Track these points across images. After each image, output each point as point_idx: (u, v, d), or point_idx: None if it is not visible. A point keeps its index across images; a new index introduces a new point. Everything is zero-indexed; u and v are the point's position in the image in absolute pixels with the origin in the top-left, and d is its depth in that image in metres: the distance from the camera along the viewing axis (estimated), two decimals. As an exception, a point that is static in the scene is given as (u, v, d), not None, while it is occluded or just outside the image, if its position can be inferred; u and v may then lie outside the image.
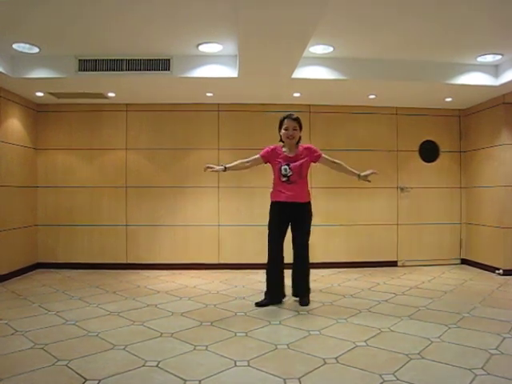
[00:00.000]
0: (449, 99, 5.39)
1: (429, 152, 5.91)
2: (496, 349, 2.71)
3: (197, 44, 4.10)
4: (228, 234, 5.62)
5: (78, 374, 2.36)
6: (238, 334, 3.03)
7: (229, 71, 4.45)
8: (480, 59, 4.46)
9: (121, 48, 4.21)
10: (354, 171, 3.92)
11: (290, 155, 3.78)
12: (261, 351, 2.70)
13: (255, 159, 3.88)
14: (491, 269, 5.28)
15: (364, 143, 5.77)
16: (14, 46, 4.03)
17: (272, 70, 4.25)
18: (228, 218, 5.61)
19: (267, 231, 3.81)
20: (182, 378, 2.32)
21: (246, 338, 2.97)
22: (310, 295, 3.93)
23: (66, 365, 2.47)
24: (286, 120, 3.78)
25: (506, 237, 5.10)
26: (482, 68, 4.66)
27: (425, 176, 5.87)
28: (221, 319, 3.38)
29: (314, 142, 5.56)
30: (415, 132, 5.86)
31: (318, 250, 5.50)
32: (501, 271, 5.09)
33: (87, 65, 4.37)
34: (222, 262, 5.58)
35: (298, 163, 3.74)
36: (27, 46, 4.07)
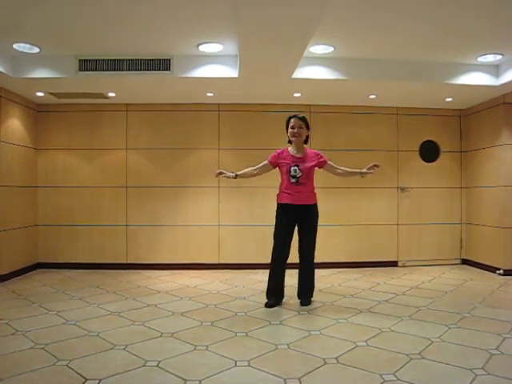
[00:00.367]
0: (449, 99, 5.39)
1: (429, 152, 5.91)
2: (496, 349, 2.71)
3: (197, 44, 4.10)
4: (228, 233, 5.62)
5: (78, 373, 2.36)
6: (238, 334, 3.03)
7: (229, 71, 4.45)
8: (480, 59, 4.46)
9: (121, 48, 4.21)
10: (356, 171, 3.95)
11: (298, 156, 3.77)
12: (261, 351, 2.70)
13: (264, 166, 3.86)
14: (491, 269, 5.27)
15: (364, 143, 5.77)
16: (15, 46, 4.03)
17: (272, 70, 4.25)
18: (228, 218, 5.61)
19: (274, 231, 3.77)
20: (182, 378, 2.32)
21: (247, 338, 2.97)
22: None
23: (67, 365, 2.47)
24: (292, 119, 3.79)
25: (506, 237, 5.10)
26: (483, 68, 4.66)
27: (425, 176, 5.87)
28: (221, 319, 3.38)
29: (315, 142, 5.57)
30: (415, 132, 5.86)
31: (318, 250, 5.47)
32: (501, 271, 5.09)
33: (87, 65, 4.37)
34: (222, 261, 5.58)
35: (307, 165, 3.73)
36: (28, 45, 4.07)
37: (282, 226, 3.76)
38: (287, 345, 2.82)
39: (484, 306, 3.77)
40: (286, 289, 3.86)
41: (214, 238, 5.62)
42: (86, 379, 2.29)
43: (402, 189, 5.83)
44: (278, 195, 3.83)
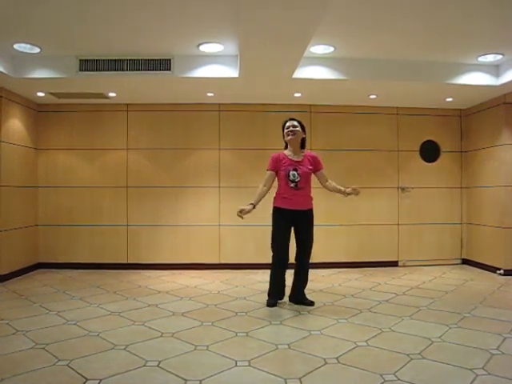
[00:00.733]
0: (450, 99, 5.39)
1: (429, 152, 5.91)
2: (497, 349, 2.71)
3: (198, 44, 4.10)
4: (229, 233, 5.62)
5: (78, 373, 2.36)
6: (238, 334, 3.03)
7: (229, 71, 4.45)
8: (481, 59, 4.46)
9: (121, 48, 4.22)
10: (342, 189, 3.77)
11: (296, 159, 3.74)
12: (261, 351, 2.70)
13: (269, 177, 3.76)
14: (492, 269, 5.27)
15: (365, 143, 5.77)
16: (15, 46, 4.03)
17: (273, 69, 4.26)
18: (229, 218, 5.60)
19: (273, 235, 3.75)
20: (182, 378, 2.32)
21: (247, 338, 2.97)
22: (311, 295, 3.95)
23: (67, 365, 2.47)
24: (287, 122, 3.81)
25: (506, 237, 5.10)
26: (483, 68, 4.66)
27: (425, 176, 5.87)
28: (221, 319, 3.38)
29: (315, 142, 5.58)
30: (416, 132, 5.86)
31: (318, 250, 5.47)
32: (502, 271, 5.09)
33: (88, 65, 4.37)
34: (222, 261, 5.58)
35: (305, 169, 3.70)
36: (28, 46, 4.07)
37: (281, 228, 3.73)
38: (288, 345, 2.82)
39: (484, 305, 3.77)
40: (286, 288, 3.86)
41: (214, 238, 5.62)
42: (87, 379, 2.29)
43: (403, 189, 5.83)
44: (275, 198, 3.78)
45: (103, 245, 5.56)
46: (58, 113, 5.58)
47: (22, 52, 4.18)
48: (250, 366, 2.49)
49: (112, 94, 5.18)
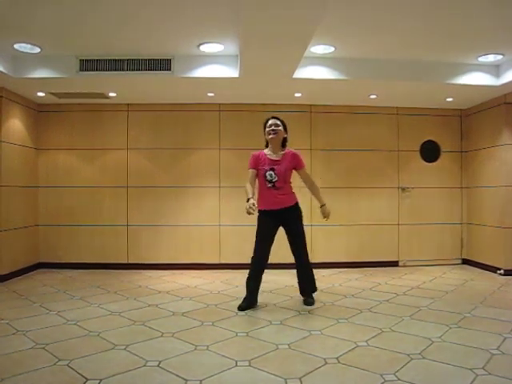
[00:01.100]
0: (450, 99, 5.39)
1: (430, 152, 5.91)
2: (497, 349, 2.71)
3: (198, 44, 4.10)
4: (229, 233, 5.62)
5: (79, 373, 2.36)
6: (239, 334, 3.03)
7: (230, 71, 4.45)
8: (481, 59, 4.46)
9: (122, 48, 4.22)
10: (321, 200, 3.79)
11: (274, 158, 3.70)
12: (262, 351, 2.70)
13: (252, 175, 3.71)
14: (492, 269, 5.27)
15: (365, 143, 5.77)
16: (16, 46, 4.03)
17: (273, 69, 4.26)
18: (229, 218, 5.61)
19: (256, 237, 3.71)
20: (183, 378, 2.32)
21: (247, 337, 2.97)
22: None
23: (67, 365, 2.47)
24: (269, 120, 3.78)
25: (507, 237, 5.09)
26: (483, 68, 4.66)
27: (426, 176, 5.87)
28: (222, 319, 3.38)
29: (315, 142, 5.59)
30: (416, 132, 5.86)
31: (318, 250, 5.50)
32: (502, 271, 5.08)
33: (88, 65, 4.37)
34: (222, 261, 5.58)
35: (282, 167, 3.66)
36: (28, 46, 4.07)
37: (263, 234, 3.69)
38: (288, 345, 2.82)
39: (485, 305, 3.77)
40: (286, 288, 3.87)
41: (214, 238, 5.62)
42: (87, 379, 2.29)
43: (403, 189, 5.83)
44: (257, 201, 3.67)
45: (103, 245, 5.56)
46: (59, 113, 5.58)
47: (22, 52, 4.19)
48: (250, 366, 2.49)
49: (112, 94, 5.18)
